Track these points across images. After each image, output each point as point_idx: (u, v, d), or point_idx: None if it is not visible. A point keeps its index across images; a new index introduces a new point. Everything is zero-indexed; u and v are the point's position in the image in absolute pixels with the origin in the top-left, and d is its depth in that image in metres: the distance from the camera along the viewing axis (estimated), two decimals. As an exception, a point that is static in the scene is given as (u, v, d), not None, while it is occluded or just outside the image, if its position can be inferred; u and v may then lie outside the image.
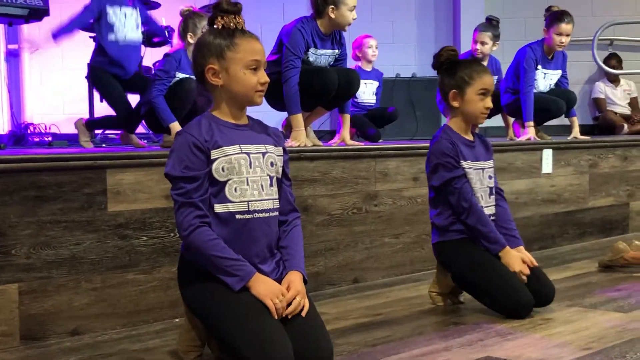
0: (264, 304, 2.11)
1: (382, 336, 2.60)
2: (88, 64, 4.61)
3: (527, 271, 2.86)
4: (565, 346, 2.44)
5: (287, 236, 2.33)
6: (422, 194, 3.86)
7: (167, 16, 6.40)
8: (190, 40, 4.07)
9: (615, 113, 7.75)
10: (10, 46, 7.61)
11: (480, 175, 2.98)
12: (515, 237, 3.02)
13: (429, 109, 6.82)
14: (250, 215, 2.20)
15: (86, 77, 5.11)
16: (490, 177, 3.04)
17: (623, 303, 3.05)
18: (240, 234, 2.20)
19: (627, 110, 7.83)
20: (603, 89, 7.87)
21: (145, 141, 4.79)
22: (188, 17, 4.09)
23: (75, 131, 4.85)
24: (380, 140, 5.56)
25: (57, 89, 7.52)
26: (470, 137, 3.02)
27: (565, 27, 4.82)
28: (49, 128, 7.17)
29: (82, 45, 6.75)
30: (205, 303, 2.19)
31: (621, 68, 7.80)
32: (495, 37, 5.26)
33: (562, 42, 4.86)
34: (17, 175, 2.58)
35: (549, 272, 3.57)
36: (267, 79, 2.24)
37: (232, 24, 2.21)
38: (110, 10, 4.43)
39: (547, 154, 4.54)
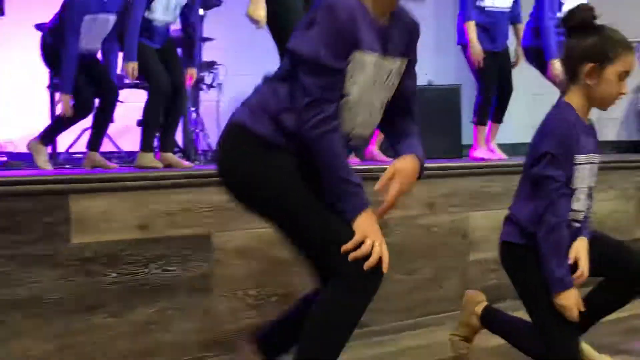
0: None
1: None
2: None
3: (576, 318, 2.75)
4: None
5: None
6: (439, 223, 3.87)
7: None
8: None
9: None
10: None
11: (592, 172, 2.86)
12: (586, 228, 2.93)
13: (447, 123, 6.83)
14: None
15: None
16: (594, 175, 2.91)
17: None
18: None
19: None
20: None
21: (116, 162, 4.80)
22: None
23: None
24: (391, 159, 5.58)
25: (12, 101, 7.54)
26: (587, 122, 2.87)
27: None
28: (5, 147, 7.18)
29: (30, 53, 6.80)
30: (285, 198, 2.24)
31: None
32: None
33: None
34: (-34, 202, 2.60)
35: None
36: None
37: None
38: None
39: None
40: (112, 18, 4.61)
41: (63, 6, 4.52)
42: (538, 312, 2.81)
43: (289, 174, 2.22)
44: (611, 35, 2.75)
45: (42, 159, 4.67)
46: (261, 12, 3.87)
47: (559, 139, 2.74)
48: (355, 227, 2.17)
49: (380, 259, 2.14)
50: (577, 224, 2.83)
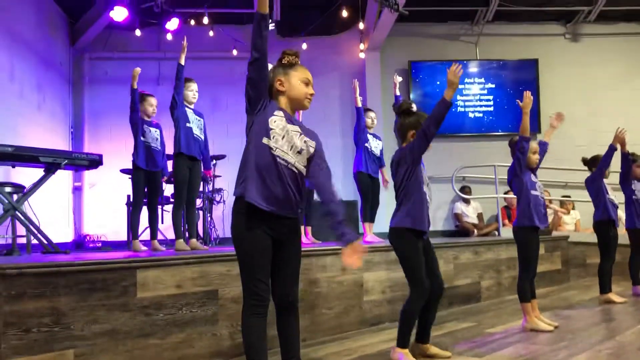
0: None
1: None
2: None
3: None
4: (442, 382, 2.43)
5: None
6: (347, 279, 3.86)
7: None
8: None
9: (469, 223, 7.97)
10: (76, 183, 7.60)
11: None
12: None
13: (350, 222, 6.88)
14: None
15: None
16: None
17: (478, 351, 3.06)
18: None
19: (476, 221, 8.06)
20: (460, 207, 8.12)
21: (164, 247, 4.72)
22: None
23: (117, 239, 4.75)
24: (321, 242, 5.55)
25: (105, 213, 7.43)
26: None
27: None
28: (100, 237, 7.06)
29: (117, 185, 6.74)
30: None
31: (471, 194, 8.09)
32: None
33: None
34: (76, 275, 2.53)
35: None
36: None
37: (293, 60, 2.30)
38: None
39: (426, 251, 4.59)
40: None
41: None
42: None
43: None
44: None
45: (138, 245, 4.52)
46: None
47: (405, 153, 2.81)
48: None
49: None
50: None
